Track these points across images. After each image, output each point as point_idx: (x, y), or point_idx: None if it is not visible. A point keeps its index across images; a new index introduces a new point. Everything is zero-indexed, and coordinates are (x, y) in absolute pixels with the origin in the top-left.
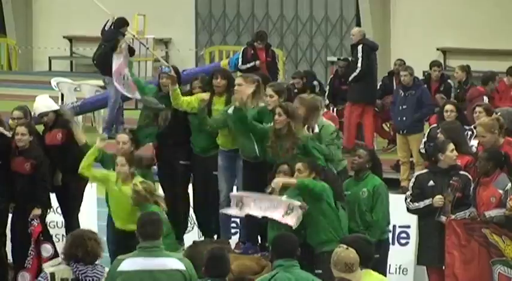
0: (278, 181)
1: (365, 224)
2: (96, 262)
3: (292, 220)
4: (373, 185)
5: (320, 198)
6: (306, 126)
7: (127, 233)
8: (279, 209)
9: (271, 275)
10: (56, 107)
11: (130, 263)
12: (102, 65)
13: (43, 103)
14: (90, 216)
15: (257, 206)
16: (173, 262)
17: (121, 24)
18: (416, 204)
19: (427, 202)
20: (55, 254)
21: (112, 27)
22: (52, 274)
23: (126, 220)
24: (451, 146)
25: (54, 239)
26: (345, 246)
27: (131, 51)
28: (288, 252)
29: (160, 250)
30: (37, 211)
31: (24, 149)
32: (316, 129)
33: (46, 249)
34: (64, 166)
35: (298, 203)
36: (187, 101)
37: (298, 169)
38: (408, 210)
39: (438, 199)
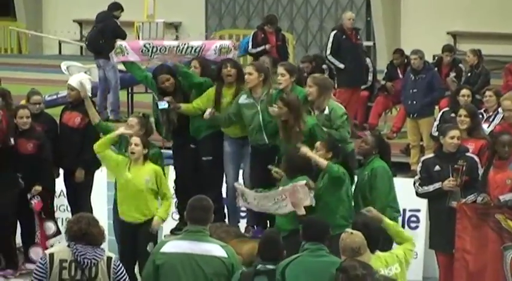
0: (309, 152)
1: (366, 206)
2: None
3: (306, 201)
4: (372, 167)
5: (341, 185)
6: (316, 106)
7: (132, 223)
8: (285, 202)
9: (295, 257)
10: (86, 92)
11: (173, 245)
12: (93, 46)
13: (77, 79)
14: (100, 200)
15: (258, 205)
16: (216, 249)
17: (115, 8)
18: (426, 187)
19: (437, 185)
20: (57, 232)
21: (107, 9)
22: (51, 255)
23: (131, 209)
24: (453, 132)
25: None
26: (350, 231)
27: (122, 34)
28: (316, 236)
29: (204, 235)
30: (38, 188)
31: (25, 129)
32: (326, 111)
33: (48, 227)
34: (75, 150)
35: (302, 182)
36: (198, 108)
37: (317, 147)
38: (417, 194)
39: (447, 182)
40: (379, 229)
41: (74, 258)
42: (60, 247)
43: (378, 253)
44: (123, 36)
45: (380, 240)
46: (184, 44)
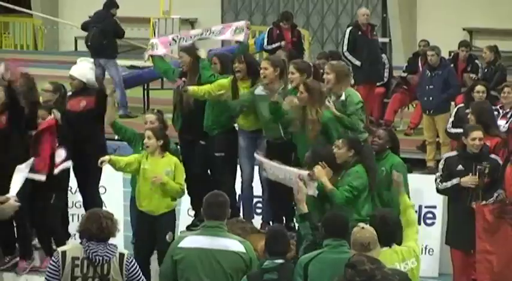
0: (321, 174)
1: (382, 202)
2: (110, 242)
3: (310, 191)
4: (391, 163)
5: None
6: (334, 93)
7: (150, 214)
8: (293, 180)
9: (317, 253)
10: (84, 78)
11: (191, 241)
12: (95, 46)
13: (78, 68)
14: (117, 196)
15: (274, 173)
16: (234, 244)
17: (111, 5)
18: (445, 183)
19: (455, 181)
20: (66, 158)
21: (102, 8)
22: (63, 253)
23: (149, 200)
24: (475, 134)
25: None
26: (362, 225)
27: (121, 32)
28: (337, 231)
29: (222, 230)
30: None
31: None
32: (343, 97)
33: (58, 154)
34: (85, 134)
35: (305, 172)
36: (208, 92)
37: (337, 145)
38: (438, 191)
39: (468, 179)
40: (396, 222)
41: (85, 255)
42: (73, 245)
43: (395, 246)
44: (122, 34)
45: (397, 234)
46: (207, 31)
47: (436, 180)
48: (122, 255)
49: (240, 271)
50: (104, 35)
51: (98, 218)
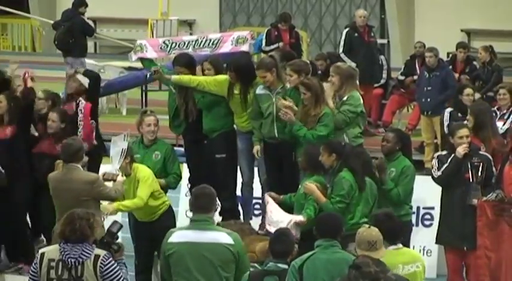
0: (312, 189)
1: (390, 202)
2: (88, 243)
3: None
4: (403, 165)
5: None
6: (339, 95)
7: (149, 222)
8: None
9: (309, 255)
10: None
11: (179, 235)
12: (62, 45)
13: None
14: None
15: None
16: (222, 236)
17: (80, 4)
18: (442, 167)
19: (451, 158)
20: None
21: (71, 6)
22: (42, 254)
23: (139, 213)
24: (462, 132)
25: None
26: (367, 225)
27: (90, 31)
28: (329, 232)
29: (209, 223)
30: None
31: (56, 133)
32: (345, 98)
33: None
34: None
35: (300, 218)
36: (202, 83)
37: (321, 152)
38: (435, 179)
39: (460, 148)
40: (392, 220)
41: (60, 257)
42: (53, 246)
43: (401, 246)
44: (91, 33)
45: (402, 232)
46: (203, 38)
47: (432, 175)
48: (97, 256)
49: (230, 262)
50: (71, 34)
51: (72, 219)
